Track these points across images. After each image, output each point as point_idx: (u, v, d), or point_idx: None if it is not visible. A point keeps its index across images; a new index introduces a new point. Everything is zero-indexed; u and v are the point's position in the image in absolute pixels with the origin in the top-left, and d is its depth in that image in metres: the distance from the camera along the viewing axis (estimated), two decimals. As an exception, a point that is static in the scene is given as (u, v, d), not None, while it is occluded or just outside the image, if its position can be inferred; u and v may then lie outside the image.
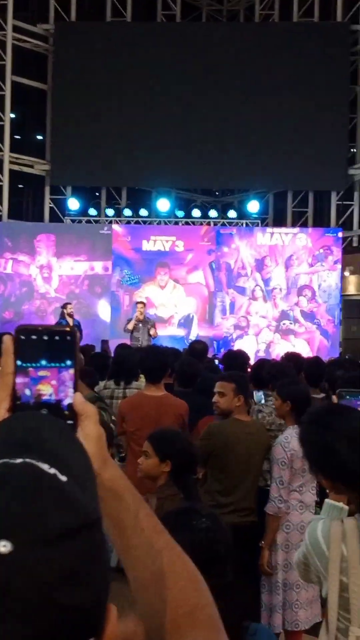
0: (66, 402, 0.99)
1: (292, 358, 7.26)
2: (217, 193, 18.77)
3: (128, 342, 11.73)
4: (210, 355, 9.73)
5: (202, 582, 1.11)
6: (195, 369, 6.01)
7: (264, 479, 4.98)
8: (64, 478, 0.72)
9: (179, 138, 16.98)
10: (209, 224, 16.66)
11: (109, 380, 6.37)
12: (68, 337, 0.98)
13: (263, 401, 5.91)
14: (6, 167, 17.39)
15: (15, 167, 17.73)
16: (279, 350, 14.48)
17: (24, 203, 18.77)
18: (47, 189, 18.14)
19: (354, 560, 2.23)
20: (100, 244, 16.28)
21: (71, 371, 0.99)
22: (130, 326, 12.62)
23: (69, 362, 0.99)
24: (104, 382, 6.35)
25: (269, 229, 16.53)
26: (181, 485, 3.27)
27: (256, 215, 16.60)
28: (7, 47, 17.36)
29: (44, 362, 0.98)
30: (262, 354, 14.88)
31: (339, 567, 2.27)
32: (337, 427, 2.28)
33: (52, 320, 15.27)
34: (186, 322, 16.18)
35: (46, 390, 0.98)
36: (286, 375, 5.49)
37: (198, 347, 7.82)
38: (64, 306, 13.97)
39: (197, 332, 15.96)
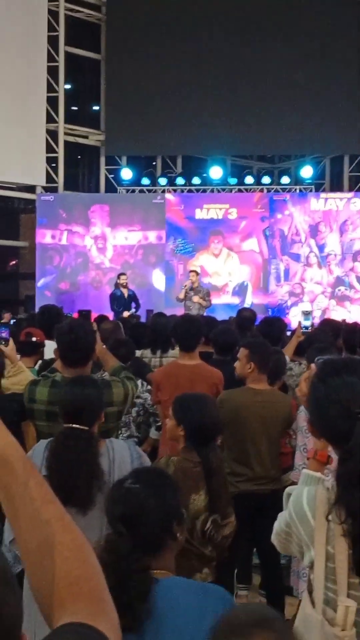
0: None
1: (328, 324, 7.12)
2: (272, 159, 18.36)
3: (183, 311, 11.63)
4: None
5: (89, 554, 1.10)
6: (229, 338, 5.89)
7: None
8: None
9: (234, 104, 16.67)
10: (262, 190, 16.34)
11: (146, 350, 6.34)
12: None
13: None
14: (61, 138, 17.27)
15: (70, 139, 17.61)
16: (335, 317, 13.86)
17: (80, 174, 18.65)
18: (102, 160, 17.86)
19: (340, 529, 2.17)
20: (153, 213, 16.05)
21: None
22: (181, 295, 12.48)
23: None
24: (141, 351, 6.29)
25: (322, 195, 16.07)
26: (196, 451, 3.28)
27: (310, 181, 16.22)
28: (60, 18, 17.24)
29: None
30: (317, 321, 14.41)
31: (325, 536, 2.21)
32: (331, 382, 2.22)
33: (107, 290, 15.14)
34: (240, 290, 15.98)
35: None
36: (317, 341, 5.33)
37: (246, 315, 7.62)
38: (118, 277, 13.93)
39: (251, 300, 15.78)
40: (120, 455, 2.99)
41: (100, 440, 3.03)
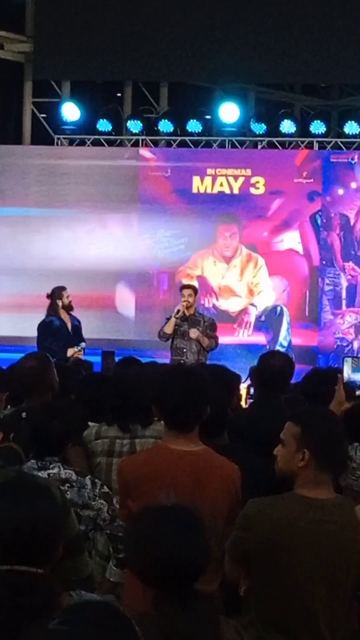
0: None
1: None
2: (329, 92, 14.51)
3: (165, 355, 10.35)
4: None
5: None
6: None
7: None
8: None
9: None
10: (310, 146, 13.09)
11: (107, 425, 4.82)
12: None
13: None
14: None
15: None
16: None
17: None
18: (27, 86, 13.66)
19: None
20: (117, 182, 12.86)
21: None
22: (168, 329, 10.51)
23: None
24: (95, 427, 4.78)
25: None
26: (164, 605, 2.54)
27: None
28: None
29: None
30: None
31: None
32: None
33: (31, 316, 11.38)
34: (270, 321, 12.80)
35: None
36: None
37: (274, 365, 5.42)
38: (55, 293, 10.86)
39: (288, 337, 12.74)
40: None
41: (61, 595, 2.35)
